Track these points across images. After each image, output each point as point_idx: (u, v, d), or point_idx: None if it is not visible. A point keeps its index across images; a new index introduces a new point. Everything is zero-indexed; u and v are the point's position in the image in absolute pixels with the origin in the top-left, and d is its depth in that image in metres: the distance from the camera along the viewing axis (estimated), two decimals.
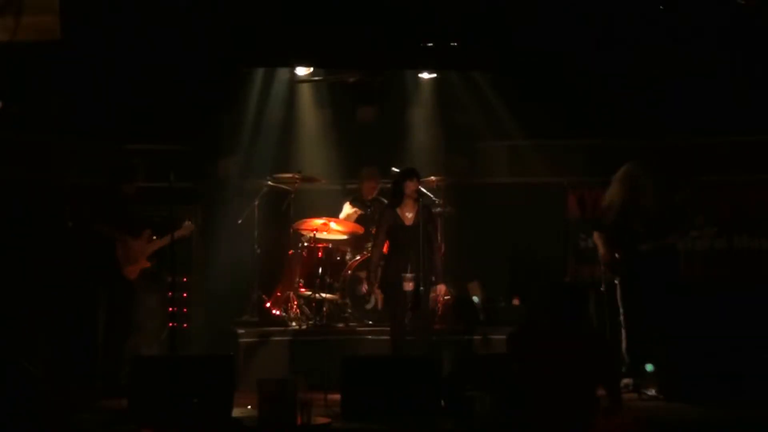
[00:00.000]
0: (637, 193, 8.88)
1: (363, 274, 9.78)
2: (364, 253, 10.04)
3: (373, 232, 10.05)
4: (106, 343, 9.10)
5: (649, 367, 8.87)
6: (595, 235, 9.16)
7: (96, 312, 9.46)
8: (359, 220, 10.39)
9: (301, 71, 10.88)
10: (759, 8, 8.62)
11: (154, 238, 9.26)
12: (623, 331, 8.98)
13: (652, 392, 8.63)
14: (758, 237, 10.67)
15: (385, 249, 9.13)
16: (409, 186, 8.86)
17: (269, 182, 10.28)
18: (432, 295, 8.96)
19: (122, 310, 9.05)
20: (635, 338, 8.88)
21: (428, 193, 9.99)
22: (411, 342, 8.82)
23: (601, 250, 9.03)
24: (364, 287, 9.33)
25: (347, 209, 10.47)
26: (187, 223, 9.53)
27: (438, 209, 10.07)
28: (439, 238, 9.84)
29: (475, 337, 9.74)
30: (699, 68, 9.88)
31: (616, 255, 8.91)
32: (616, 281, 9.00)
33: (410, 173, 8.97)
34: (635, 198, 8.88)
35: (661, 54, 9.63)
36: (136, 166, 9.24)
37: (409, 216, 8.85)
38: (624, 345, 8.97)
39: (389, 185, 10.40)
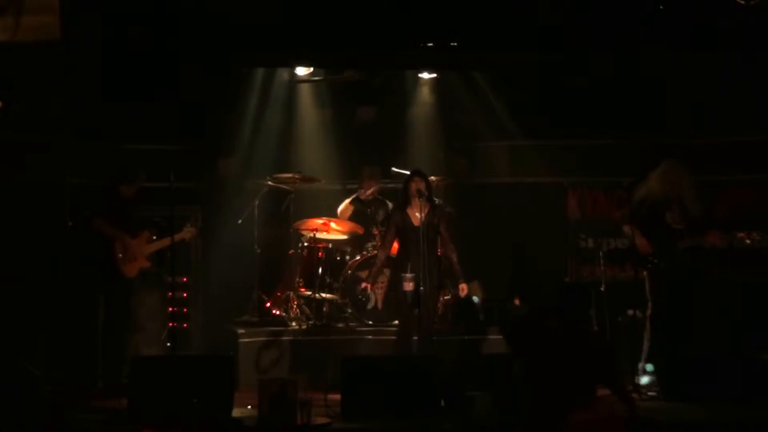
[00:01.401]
0: (681, 191, 8.90)
1: (364, 274, 9.78)
2: (364, 253, 10.05)
3: (374, 232, 10.08)
4: (105, 342, 9.10)
5: (649, 367, 8.88)
6: (627, 228, 9.13)
7: (96, 312, 9.46)
8: (359, 220, 10.38)
9: (301, 71, 10.88)
10: (759, 8, 8.61)
11: (154, 238, 9.27)
12: (647, 324, 8.96)
13: (652, 392, 8.63)
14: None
15: (394, 250, 9.16)
16: (412, 186, 8.87)
17: (269, 182, 10.28)
18: (462, 294, 8.99)
19: (120, 308, 9.06)
20: (660, 333, 8.88)
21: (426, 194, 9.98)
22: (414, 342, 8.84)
23: (639, 240, 8.95)
24: (363, 285, 9.31)
25: (344, 205, 10.49)
26: (190, 227, 9.54)
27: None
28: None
29: (475, 337, 9.74)
30: (699, 68, 9.89)
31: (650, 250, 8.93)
32: (645, 273, 8.99)
33: (413, 174, 8.99)
34: (678, 196, 8.89)
35: (660, 54, 9.63)
36: (135, 169, 9.24)
37: (417, 216, 8.86)
38: (647, 340, 8.94)
39: (389, 185, 10.42)
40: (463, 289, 8.96)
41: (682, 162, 9.15)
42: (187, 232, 9.53)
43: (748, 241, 8.94)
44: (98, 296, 9.31)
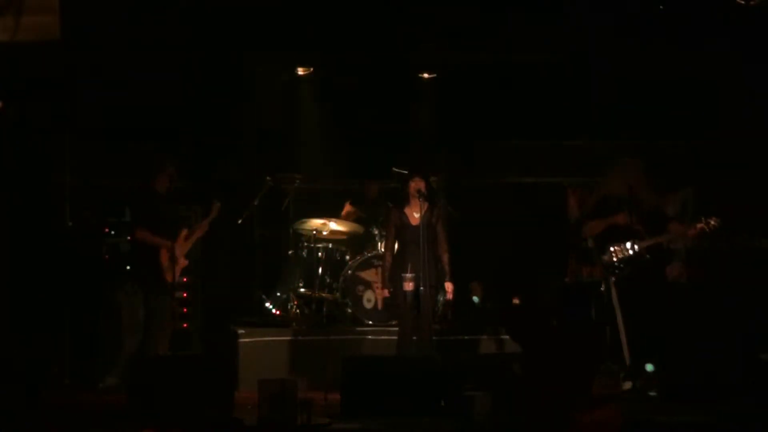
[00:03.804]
0: (632, 188, 8.89)
1: (364, 274, 9.79)
2: (364, 253, 10.05)
3: (374, 232, 10.09)
4: (142, 343, 9.05)
5: (649, 367, 8.86)
6: (591, 241, 9.11)
7: (97, 312, 9.47)
8: (359, 220, 10.40)
9: (301, 71, 10.88)
10: (759, 8, 8.62)
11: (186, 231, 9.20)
12: (622, 333, 8.96)
13: (652, 392, 8.63)
14: (758, 237, 10.67)
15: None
16: (412, 186, 8.87)
17: (269, 182, 10.28)
18: (448, 296, 8.99)
19: (160, 313, 9.00)
20: (635, 340, 8.87)
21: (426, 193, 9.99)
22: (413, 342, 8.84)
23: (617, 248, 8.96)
24: (384, 292, 9.28)
25: (347, 208, 10.50)
26: (216, 203, 9.42)
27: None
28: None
29: (475, 337, 9.74)
30: (698, 68, 9.90)
31: (612, 257, 8.90)
32: (612, 281, 8.98)
33: (413, 173, 8.98)
34: (631, 193, 8.88)
35: (659, 54, 9.64)
36: (159, 159, 9.16)
37: (416, 216, 8.85)
38: (625, 347, 8.95)
39: (390, 185, 10.43)
40: (449, 288, 8.95)
41: (634, 159, 9.12)
42: (215, 209, 9.41)
43: (707, 230, 8.92)
44: (104, 297, 9.31)
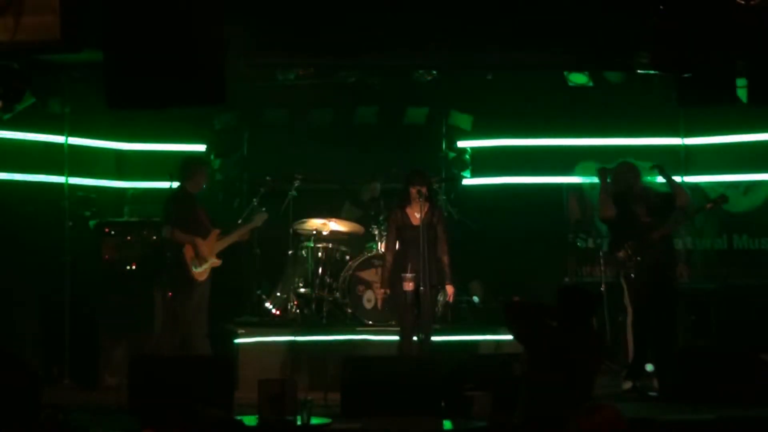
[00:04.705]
0: (634, 186, 8.94)
1: (364, 274, 9.79)
2: (364, 253, 10.05)
3: (374, 231, 10.09)
4: (158, 342, 9.09)
5: (649, 367, 8.87)
6: (622, 254, 9.09)
7: (99, 312, 9.47)
8: (359, 219, 10.39)
9: (301, 71, 10.86)
10: (759, 8, 8.61)
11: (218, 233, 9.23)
12: (629, 333, 8.95)
13: (652, 392, 8.63)
14: (758, 237, 10.69)
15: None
16: (413, 188, 8.87)
17: (269, 182, 10.27)
18: (447, 297, 8.99)
19: (186, 311, 9.01)
20: (643, 341, 8.85)
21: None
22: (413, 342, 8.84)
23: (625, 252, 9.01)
24: (382, 292, 9.28)
25: (347, 207, 10.50)
26: (260, 214, 9.47)
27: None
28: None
29: (475, 337, 9.74)
30: (696, 68, 9.88)
31: (627, 251, 8.90)
32: (623, 279, 8.98)
33: (414, 175, 8.98)
34: (629, 188, 8.93)
35: (659, 54, 9.62)
36: (191, 161, 9.18)
37: (417, 216, 8.85)
38: (630, 345, 8.93)
39: (390, 185, 10.43)
40: (450, 291, 8.94)
41: (625, 162, 9.18)
42: (260, 218, 9.47)
43: (715, 208, 9.18)
44: (109, 298, 9.31)
